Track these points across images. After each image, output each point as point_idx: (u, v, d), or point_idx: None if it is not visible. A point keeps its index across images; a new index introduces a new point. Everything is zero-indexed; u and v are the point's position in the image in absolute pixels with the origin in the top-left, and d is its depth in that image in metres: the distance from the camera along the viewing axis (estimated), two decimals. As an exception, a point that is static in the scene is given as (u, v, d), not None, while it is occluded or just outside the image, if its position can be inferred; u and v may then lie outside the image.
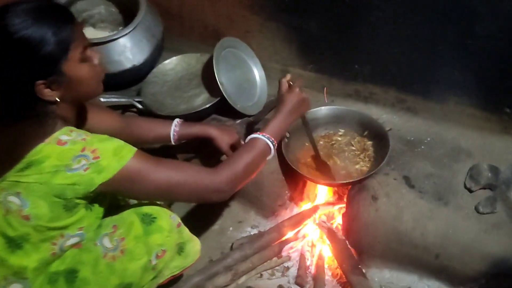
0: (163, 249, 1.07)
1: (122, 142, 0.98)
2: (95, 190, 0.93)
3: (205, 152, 1.55)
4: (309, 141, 1.41)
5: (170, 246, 1.09)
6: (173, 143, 1.39)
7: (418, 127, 1.56)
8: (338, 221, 1.56)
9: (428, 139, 1.51)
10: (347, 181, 1.39)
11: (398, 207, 1.31)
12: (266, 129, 1.17)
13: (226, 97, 1.56)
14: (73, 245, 1.02)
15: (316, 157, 1.44)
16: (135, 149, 0.98)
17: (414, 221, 1.28)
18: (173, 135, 1.37)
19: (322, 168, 1.45)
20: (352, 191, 1.41)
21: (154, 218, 1.07)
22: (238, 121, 1.60)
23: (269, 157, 1.18)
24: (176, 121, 1.39)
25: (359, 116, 1.54)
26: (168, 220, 1.09)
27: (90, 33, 1.91)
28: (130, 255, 1.03)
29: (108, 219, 1.08)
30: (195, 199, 1.21)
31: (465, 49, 1.36)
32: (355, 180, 1.36)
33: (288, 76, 1.25)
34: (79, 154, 0.91)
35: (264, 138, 1.14)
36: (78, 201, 0.94)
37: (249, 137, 1.17)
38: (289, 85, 1.24)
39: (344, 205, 1.53)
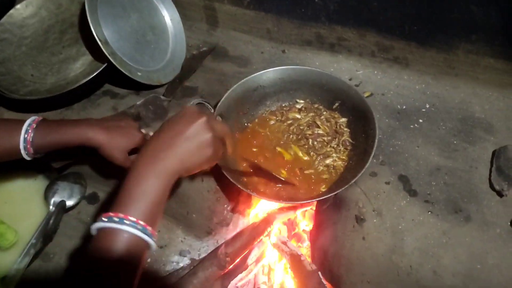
0: None
1: None
2: None
3: (92, 156, 0.98)
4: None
5: None
6: (27, 158, 0.83)
7: (410, 88, 1.06)
8: (303, 227, 1.11)
9: (427, 105, 1.03)
10: (317, 199, 0.88)
11: (397, 231, 0.85)
12: (126, 204, 0.59)
13: (115, 64, 0.96)
14: None
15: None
16: None
17: (421, 252, 0.83)
18: (25, 147, 0.80)
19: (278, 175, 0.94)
20: (324, 205, 0.93)
21: None
22: (140, 101, 1.01)
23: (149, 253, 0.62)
24: (29, 123, 0.82)
25: (323, 78, 1.00)
26: None
27: None
28: None
29: None
30: None
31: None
32: (331, 195, 0.86)
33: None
34: None
35: (129, 228, 0.56)
36: None
37: (94, 227, 0.57)
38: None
39: (309, 207, 1.06)
